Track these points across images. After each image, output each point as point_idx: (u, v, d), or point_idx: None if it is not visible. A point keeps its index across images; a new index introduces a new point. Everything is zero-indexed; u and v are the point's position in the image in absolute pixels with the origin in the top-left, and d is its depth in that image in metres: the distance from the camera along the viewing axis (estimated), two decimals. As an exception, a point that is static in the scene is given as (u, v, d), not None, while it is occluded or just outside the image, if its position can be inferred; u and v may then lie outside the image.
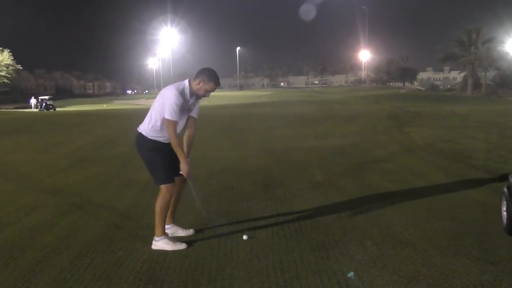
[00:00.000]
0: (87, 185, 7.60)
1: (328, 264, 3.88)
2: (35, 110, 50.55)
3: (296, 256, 4.07)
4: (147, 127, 4.43)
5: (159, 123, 4.37)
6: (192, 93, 4.45)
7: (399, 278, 3.55)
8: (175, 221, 4.83)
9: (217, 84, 4.49)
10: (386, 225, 4.94)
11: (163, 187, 4.41)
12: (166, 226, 4.64)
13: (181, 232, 4.74)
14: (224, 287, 3.52)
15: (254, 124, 19.73)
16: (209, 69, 4.50)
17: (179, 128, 4.45)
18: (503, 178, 6.46)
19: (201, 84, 4.41)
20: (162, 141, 4.43)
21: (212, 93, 4.66)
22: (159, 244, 4.36)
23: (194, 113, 4.63)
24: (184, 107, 4.40)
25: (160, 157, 4.41)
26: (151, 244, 4.43)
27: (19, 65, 72.60)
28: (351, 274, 3.65)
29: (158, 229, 4.42)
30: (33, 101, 56.58)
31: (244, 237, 4.59)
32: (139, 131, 4.49)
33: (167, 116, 4.28)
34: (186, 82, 4.46)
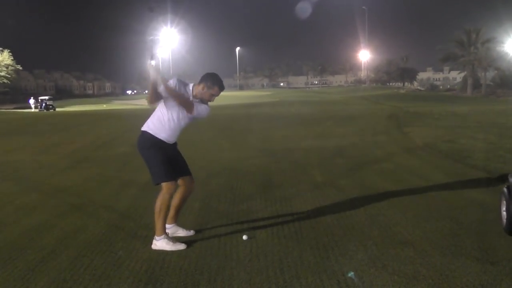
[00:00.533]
0: (86, 185, 7.59)
1: (328, 264, 3.88)
2: (34, 110, 50.53)
3: (296, 256, 4.07)
4: (150, 125, 4.46)
5: (161, 116, 4.42)
6: (195, 97, 4.49)
7: (399, 278, 3.55)
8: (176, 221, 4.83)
9: (221, 88, 4.56)
10: (386, 225, 4.94)
11: (163, 185, 4.40)
12: (167, 226, 4.65)
13: (182, 232, 4.73)
14: (224, 287, 3.52)
15: (254, 124, 19.74)
16: (212, 73, 4.56)
17: (178, 129, 4.47)
18: (503, 178, 6.46)
19: (205, 89, 4.47)
20: (163, 140, 4.45)
21: None
22: (159, 244, 4.36)
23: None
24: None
25: (160, 154, 4.42)
26: (151, 243, 4.43)
27: (19, 65, 72.74)
28: (351, 273, 3.66)
29: (158, 229, 4.41)
30: (32, 101, 56.60)
31: (244, 237, 4.59)
32: (142, 129, 4.51)
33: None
34: (191, 85, 4.53)
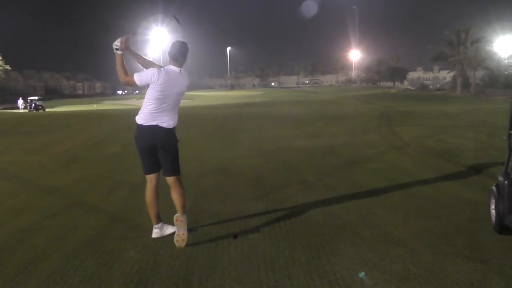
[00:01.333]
0: (77, 186, 7.55)
1: (319, 263, 3.88)
2: (22, 111, 50.11)
3: (287, 256, 4.08)
4: (175, 121, 4.65)
5: (174, 110, 4.62)
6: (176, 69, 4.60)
7: (389, 277, 3.56)
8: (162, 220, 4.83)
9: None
10: (377, 224, 4.96)
11: (178, 177, 4.66)
12: (157, 225, 4.68)
13: (171, 229, 4.70)
14: (215, 287, 3.52)
15: (245, 124, 19.72)
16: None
17: (165, 104, 4.53)
18: (492, 176, 6.51)
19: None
20: None
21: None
22: (184, 218, 4.44)
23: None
24: (169, 84, 4.50)
25: None
26: (151, 233, 4.56)
27: (8, 66, 72.23)
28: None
29: (184, 208, 4.55)
30: (20, 102, 56.15)
31: (235, 236, 4.60)
32: (170, 127, 4.58)
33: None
34: (168, 66, 4.61)
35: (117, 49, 4.58)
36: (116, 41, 4.55)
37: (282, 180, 7.56)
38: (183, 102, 4.92)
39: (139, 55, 4.88)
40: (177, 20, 4.82)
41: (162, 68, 4.55)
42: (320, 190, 6.73)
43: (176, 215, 4.43)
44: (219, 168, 8.87)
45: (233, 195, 6.58)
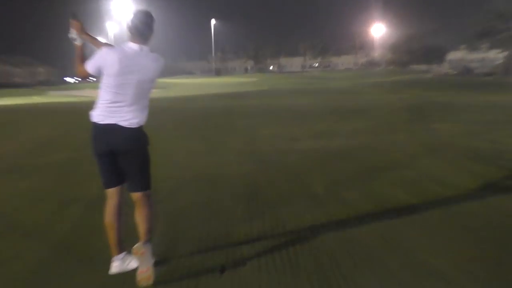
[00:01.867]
0: (15, 203, 7.51)
1: (332, 303, 3.88)
2: None
3: (290, 294, 4.07)
4: (145, 117, 4.62)
5: (140, 104, 4.55)
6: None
7: (425, 321, 3.56)
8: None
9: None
10: (408, 250, 4.97)
11: (148, 192, 4.66)
12: (117, 257, 4.64)
13: (136, 263, 4.67)
14: (196, 336, 3.51)
15: (235, 121, 19.74)
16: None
17: (124, 95, 4.46)
18: None
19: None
20: None
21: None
22: (149, 247, 4.44)
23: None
24: (125, 67, 4.43)
25: None
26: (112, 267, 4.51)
27: None
28: None
29: (149, 234, 4.56)
30: None
31: (222, 270, 4.59)
32: (135, 126, 4.49)
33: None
34: (124, 44, 4.57)
35: (74, 39, 4.71)
36: (70, 30, 4.67)
37: (283, 193, 7.56)
38: (153, 92, 4.88)
39: (98, 40, 4.85)
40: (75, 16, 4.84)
41: (115, 47, 4.49)
42: (333, 206, 6.73)
43: (136, 245, 4.39)
44: (200, 178, 8.86)
45: (219, 214, 6.58)
